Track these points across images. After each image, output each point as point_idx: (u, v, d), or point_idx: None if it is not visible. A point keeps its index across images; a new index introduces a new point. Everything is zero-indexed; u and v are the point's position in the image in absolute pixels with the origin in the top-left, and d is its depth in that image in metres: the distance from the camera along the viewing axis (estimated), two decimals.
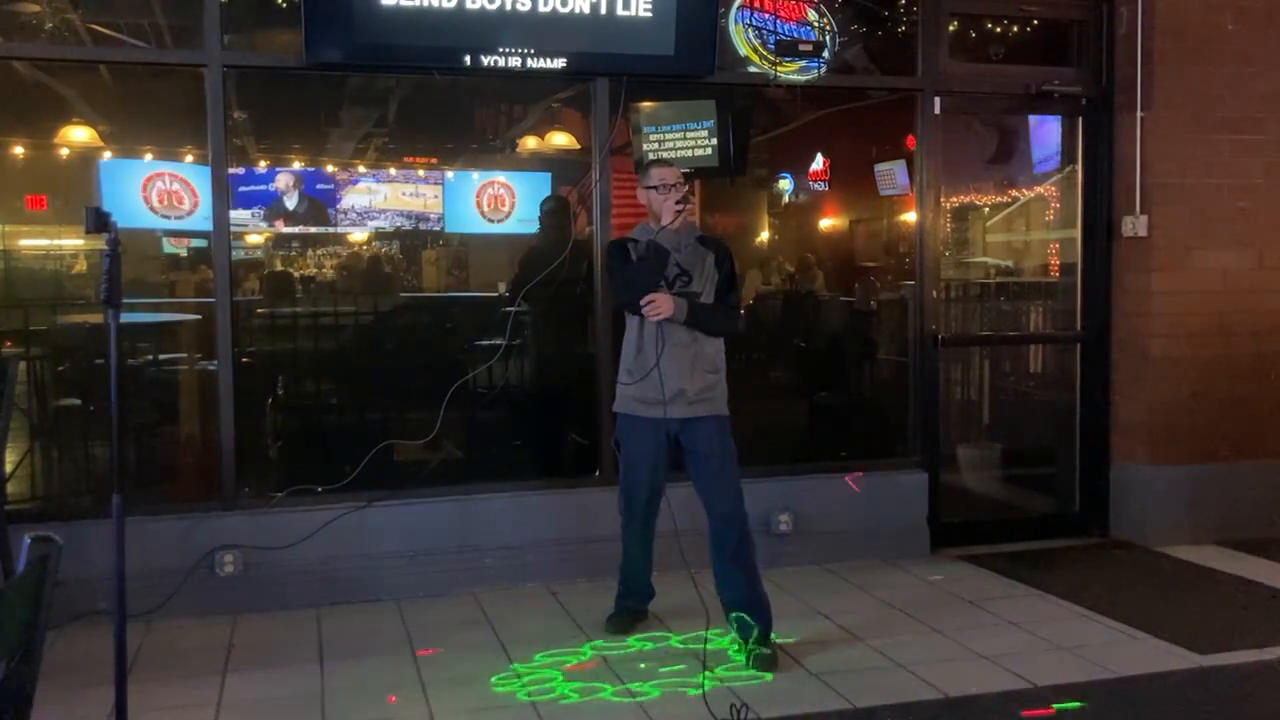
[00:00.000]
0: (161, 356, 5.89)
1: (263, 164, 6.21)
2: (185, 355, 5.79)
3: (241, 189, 5.29)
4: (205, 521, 4.69)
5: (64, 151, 5.92)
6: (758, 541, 4.21)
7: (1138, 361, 5.69)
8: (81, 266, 6.83)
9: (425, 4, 4.68)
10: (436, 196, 6.13)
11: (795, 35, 5.33)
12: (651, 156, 5.20)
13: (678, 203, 4.05)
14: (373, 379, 5.91)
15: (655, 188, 4.12)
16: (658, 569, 4.44)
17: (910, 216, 5.81)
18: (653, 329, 4.04)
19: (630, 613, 4.45)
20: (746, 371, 6.33)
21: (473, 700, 3.74)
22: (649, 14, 4.92)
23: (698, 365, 4.10)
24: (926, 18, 5.54)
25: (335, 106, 6.42)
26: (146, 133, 5.68)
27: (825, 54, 5.38)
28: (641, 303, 3.99)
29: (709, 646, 4.06)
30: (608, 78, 5.08)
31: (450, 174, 6.08)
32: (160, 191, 5.17)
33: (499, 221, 6.03)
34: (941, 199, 5.74)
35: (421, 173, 6.09)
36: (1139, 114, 5.57)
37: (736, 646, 4.11)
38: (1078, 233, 5.94)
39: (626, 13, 4.89)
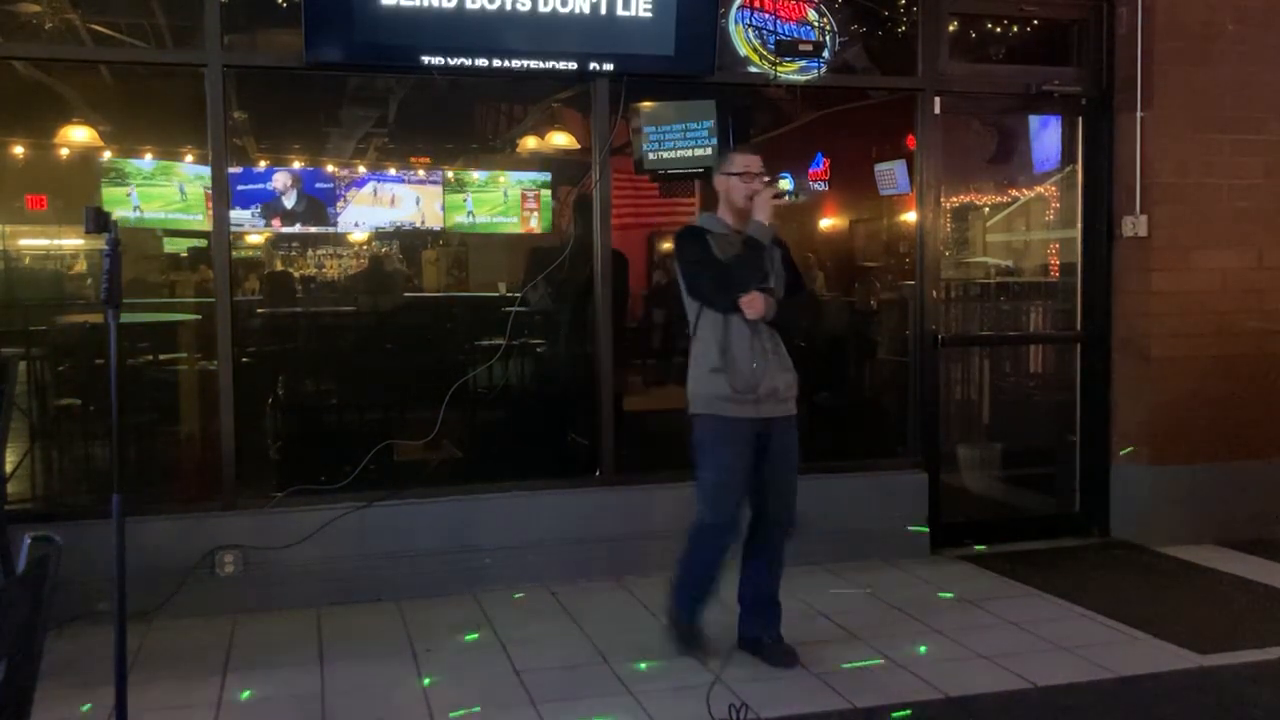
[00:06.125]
0: (161, 356, 5.89)
1: (263, 164, 6.20)
2: (185, 355, 5.79)
3: (241, 188, 5.28)
4: (205, 521, 4.69)
5: (64, 151, 5.92)
6: None
7: (1138, 361, 5.69)
8: (81, 266, 6.83)
9: (425, 4, 4.69)
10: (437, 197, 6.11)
11: (795, 35, 5.34)
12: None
13: (775, 196, 3.86)
14: (373, 379, 5.90)
15: (739, 174, 3.93)
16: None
17: (910, 216, 5.81)
18: (742, 327, 3.89)
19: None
20: None
21: (473, 700, 3.74)
22: (649, 14, 4.92)
23: (783, 363, 4.02)
24: (926, 18, 5.54)
25: (335, 106, 6.42)
26: (146, 133, 5.67)
27: (825, 54, 5.38)
28: (741, 302, 3.83)
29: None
30: (608, 78, 5.08)
31: (450, 174, 6.07)
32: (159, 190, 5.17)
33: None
34: (941, 199, 5.74)
35: (421, 172, 6.08)
36: (1139, 114, 5.57)
37: (747, 644, 4.09)
38: (1078, 233, 5.94)
39: (626, 13, 4.90)
